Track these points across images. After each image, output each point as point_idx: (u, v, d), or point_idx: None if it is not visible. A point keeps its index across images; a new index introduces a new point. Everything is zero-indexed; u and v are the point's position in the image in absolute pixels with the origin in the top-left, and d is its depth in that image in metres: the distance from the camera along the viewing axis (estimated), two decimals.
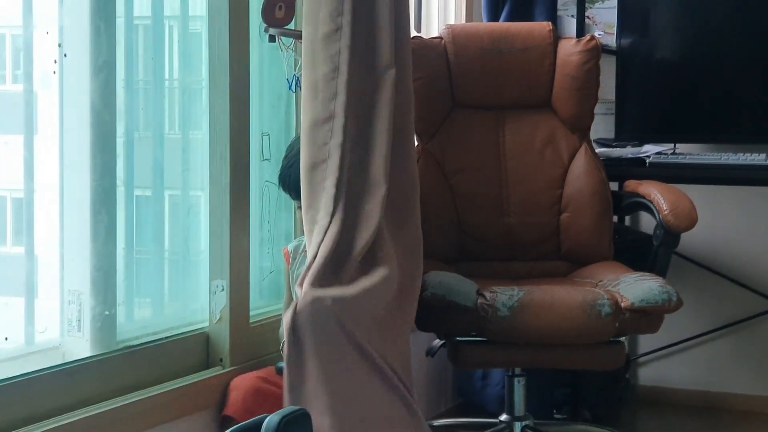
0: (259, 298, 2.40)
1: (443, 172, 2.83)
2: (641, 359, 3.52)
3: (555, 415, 3.14)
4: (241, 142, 2.20)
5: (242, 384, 2.07)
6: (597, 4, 3.48)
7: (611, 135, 3.32)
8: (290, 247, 2.27)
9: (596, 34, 3.39)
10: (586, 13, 3.44)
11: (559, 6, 3.40)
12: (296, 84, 2.35)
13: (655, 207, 2.59)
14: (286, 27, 2.36)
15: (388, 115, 2.11)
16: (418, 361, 2.67)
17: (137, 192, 2.09)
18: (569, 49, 2.85)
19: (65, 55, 1.89)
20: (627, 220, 3.42)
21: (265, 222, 2.47)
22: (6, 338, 1.80)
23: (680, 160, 3.07)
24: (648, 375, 3.53)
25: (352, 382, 1.94)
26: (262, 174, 2.44)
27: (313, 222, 2.01)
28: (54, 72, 1.89)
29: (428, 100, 2.82)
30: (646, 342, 3.48)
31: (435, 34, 3.31)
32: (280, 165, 2.30)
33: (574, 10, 3.42)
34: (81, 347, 1.89)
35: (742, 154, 2.96)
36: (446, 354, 2.51)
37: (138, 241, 2.09)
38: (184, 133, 2.24)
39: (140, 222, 2.10)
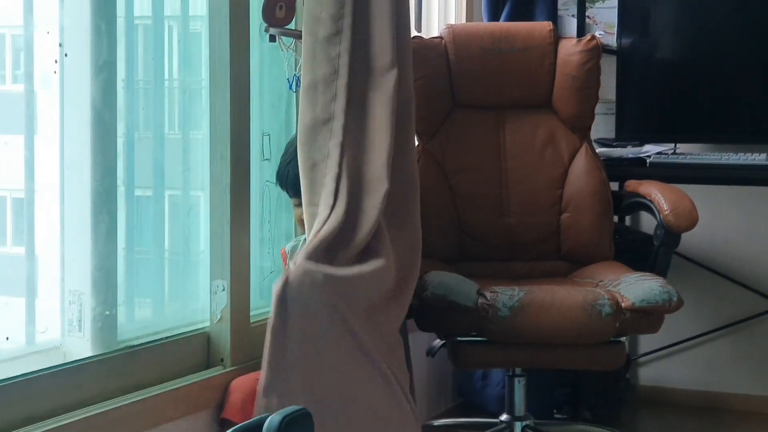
0: (259, 298, 2.40)
1: (443, 172, 2.83)
2: (641, 359, 3.52)
3: (555, 415, 3.14)
4: (242, 142, 2.20)
5: (242, 386, 2.06)
6: (597, 4, 3.49)
7: (612, 135, 3.32)
8: (288, 247, 2.27)
9: (597, 33, 3.39)
10: (587, 13, 3.45)
11: (559, 6, 3.40)
12: (296, 84, 2.35)
13: (655, 207, 2.59)
14: (287, 27, 2.36)
15: (389, 115, 2.11)
16: (418, 361, 2.67)
17: (138, 192, 2.09)
18: (570, 48, 2.86)
19: (66, 55, 1.89)
20: (627, 220, 3.42)
21: (266, 222, 2.47)
22: (7, 338, 1.80)
23: (681, 160, 3.07)
24: (648, 375, 3.53)
25: (336, 359, 1.91)
26: (263, 174, 2.44)
27: (313, 216, 2.01)
28: (54, 72, 1.89)
29: (428, 100, 2.82)
30: (646, 342, 3.48)
31: (435, 34, 3.31)
32: (279, 162, 2.30)
33: (574, 10, 3.42)
34: (82, 347, 1.89)
35: (742, 154, 2.96)
36: (447, 354, 2.51)
37: (138, 241, 2.09)
38: (184, 133, 2.24)
39: (141, 222, 2.10)
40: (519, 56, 2.86)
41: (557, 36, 2.91)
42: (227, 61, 2.15)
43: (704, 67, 3.25)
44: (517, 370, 2.62)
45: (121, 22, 1.98)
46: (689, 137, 3.28)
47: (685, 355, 3.49)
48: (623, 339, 2.44)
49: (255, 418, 1.15)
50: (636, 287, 2.38)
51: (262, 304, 2.40)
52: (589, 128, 2.91)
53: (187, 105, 2.24)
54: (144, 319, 2.11)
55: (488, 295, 2.33)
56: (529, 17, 3.28)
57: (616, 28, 3.35)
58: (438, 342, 2.63)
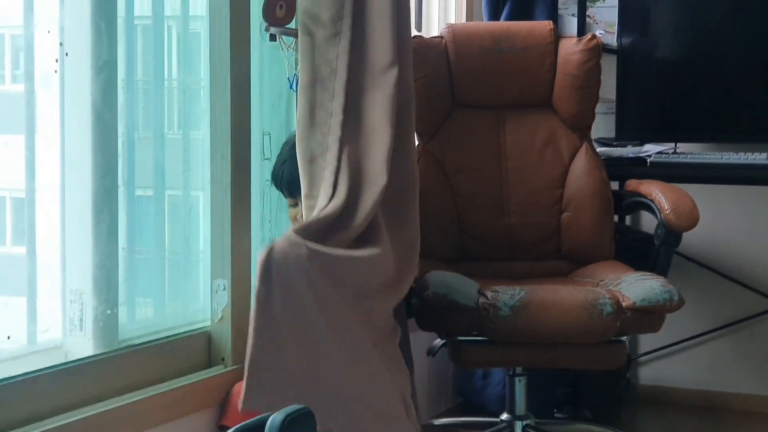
0: None
1: (443, 172, 2.83)
2: (642, 358, 3.52)
3: (556, 415, 3.14)
4: (242, 142, 2.20)
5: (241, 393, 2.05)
6: (597, 3, 3.49)
7: (612, 134, 3.32)
8: None
9: (597, 33, 3.39)
10: (587, 12, 3.45)
11: (559, 5, 3.40)
12: (297, 83, 2.34)
13: (656, 206, 2.59)
14: (287, 26, 2.35)
15: (389, 113, 2.11)
16: (419, 361, 2.67)
17: (138, 192, 2.09)
18: (570, 48, 2.85)
19: (66, 55, 1.89)
20: (627, 219, 3.42)
21: (266, 221, 2.47)
22: (8, 337, 1.80)
23: (681, 159, 3.07)
24: (648, 374, 3.53)
25: (320, 332, 1.85)
26: (263, 173, 2.44)
27: (311, 209, 2.00)
28: (55, 71, 1.88)
29: (428, 99, 2.81)
30: (646, 341, 3.48)
31: (435, 33, 3.32)
32: (274, 162, 2.30)
33: (574, 9, 3.42)
34: (83, 346, 1.89)
35: (742, 153, 2.96)
36: (447, 354, 2.51)
37: (139, 241, 2.09)
38: (184, 132, 2.24)
39: (141, 222, 2.10)
40: (519, 56, 2.86)
41: (557, 35, 2.91)
42: (228, 61, 2.15)
43: (704, 67, 3.25)
44: (518, 370, 2.62)
45: (120, 21, 1.98)
46: (689, 137, 3.28)
47: (685, 354, 3.49)
48: (624, 338, 2.44)
49: (257, 417, 1.15)
50: (637, 286, 2.38)
51: None
52: (590, 128, 2.91)
53: (187, 105, 2.24)
54: (145, 318, 2.11)
55: (489, 294, 2.33)
56: (529, 16, 3.28)
57: (616, 28, 3.35)
58: (439, 341, 2.63)
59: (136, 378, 1.93)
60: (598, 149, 2.98)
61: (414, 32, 3.02)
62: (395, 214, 2.18)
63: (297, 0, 2.21)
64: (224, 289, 2.13)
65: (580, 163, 2.84)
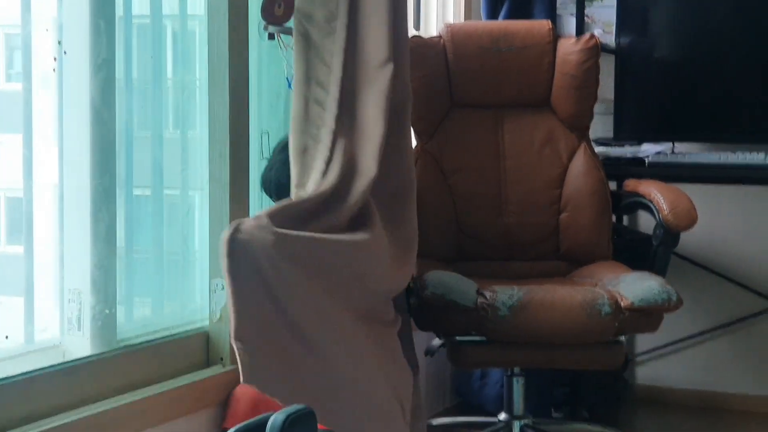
0: None
1: (442, 172, 2.83)
2: (639, 358, 3.52)
3: (553, 415, 3.14)
4: (241, 141, 2.19)
5: (244, 396, 2.05)
6: (596, 3, 3.49)
7: (609, 134, 3.32)
8: None
9: (595, 32, 3.39)
10: (585, 12, 3.45)
11: (558, 4, 3.40)
12: None
13: (654, 206, 2.59)
14: (286, 25, 2.35)
15: (383, 108, 2.09)
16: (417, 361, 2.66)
17: (136, 191, 2.09)
18: (569, 47, 2.85)
19: (65, 53, 1.88)
20: (625, 219, 3.42)
21: None
22: (6, 337, 1.79)
23: (679, 159, 3.08)
24: (646, 374, 3.53)
25: (294, 321, 1.76)
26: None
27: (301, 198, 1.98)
28: (54, 70, 1.88)
29: (427, 99, 2.81)
30: (643, 341, 3.48)
31: (434, 32, 3.31)
32: (263, 168, 2.29)
33: (573, 9, 3.42)
34: (81, 346, 1.88)
35: (740, 153, 2.96)
36: (445, 354, 2.50)
37: (137, 240, 2.08)
38: (182, 132, 2.23)
39: (140, 221, 2.10)
40: (518, 55, 2.86)
41: (556, 35, 2.91)
42: (226, 60, 2.14)
43: (703, 67, 3.26)
44: (516, 370, 2.62)
45: (119, 20, 1.98)
46: (687, 137, 3.28)
47: (682, 354, 3.49)
48: (622, 338, 2.44)
49: (258, 417, 1.14)
50: (635, 287, 2.38)
51: None
52: (588, 127, 2.91)
53: (184, 104, 2.23)
54: (143, 317, 2.10)
55: (487, 294, 2.33)
56: (528, 16, 3.28)
57: (614, 27, 3.35)
58: (437, 341, 2.62)
59: (134, 378, 1.93)
60: (596, 149, 2.98)
61: (412, 32, 3.02)
62: (392, 212, 2.18)
63: None
64: (222, 288, 2.13)
65: (579, 163, 2.83)
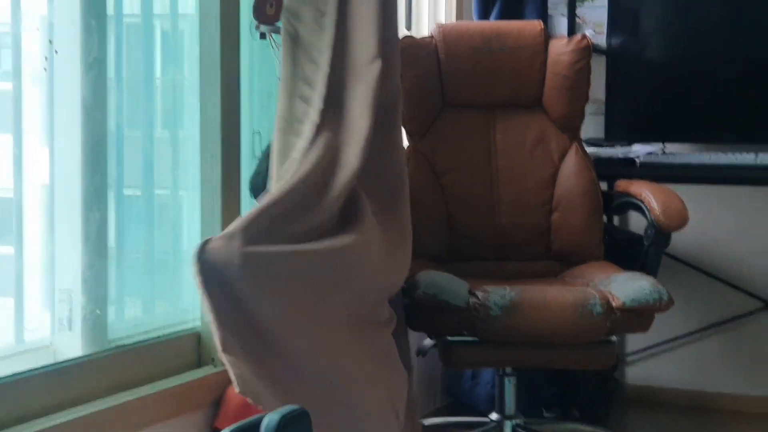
0: None
1: (434, 172, 2.83)
2: (629, 358, 3.52)
3: (544, 414, 3.14)
4: (232, 141, 2.19)
5: (235, 396, 2.04)
6: (587, 4, 3.49)
7: (600, 135, 3.32)
8: None
9: (586, 33, 3.39)
10: (576, 12, 3.45)
11: (549, 5, 3.40)
12: None
13: (646, 207, 2.60)
14: (277, 24, 2.35)
15: (370, 104, 2.07)
16: None
17: (127, 191, 2.08)
18: (560, 48, 2.86)
19: (56, 52, 1.87)
20: (615, 220, 3.43)
21: None
22: None
23: (670, 160, 3.09)
24: (636, 374, 3.54)
25: (274, 335, 1.77)
26: None
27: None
28: (45, 69, 1.87)
29: (419, 99, 2.81)
30: (634, 341, 3.49)
31: (425, 33, 3.31)
32: (252, 173, 2.28)
33: (564, 9, 3.42)
34: (72, 346, 1.87)
35: (731, 153, 2.97)
36: (437, 354, 2.50)
37: (128, 240, 2.07)
38: (172, 132, 2.22)
39: (130, 221, 2.09)
40: (509, 55, 2.86)
41: (548, 35, 2.91)
42: (218, 59, 2.14)
43: (694, 68, 3.27)
44: (508, 369, 2.62)
45: (110, 19, 1.97)
46: (678, 137, 3.29)
47: (672, 354, 3.50)
48: (614, 338, 2.44)
49: (252, 417, 1.14)
50: (627, 287, 2.39)
51: None
52: (579, 128, 2.91)
53: (175, 103, 2.22)
54: (134, 318, 2.09)
55: (480, 294, 2.33)
56: (519, 16, 3.28)
57: (605, 28, 3.35)
58: (428, 341, 2.62)
59: (125, 378, 1.92)
60: (587, 149, 2.98)
61: (404, 32, 3.02)
62: (385, 212, 2.17)
63: None
64: None
65: (570, 164, 2.84)
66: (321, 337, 1.88)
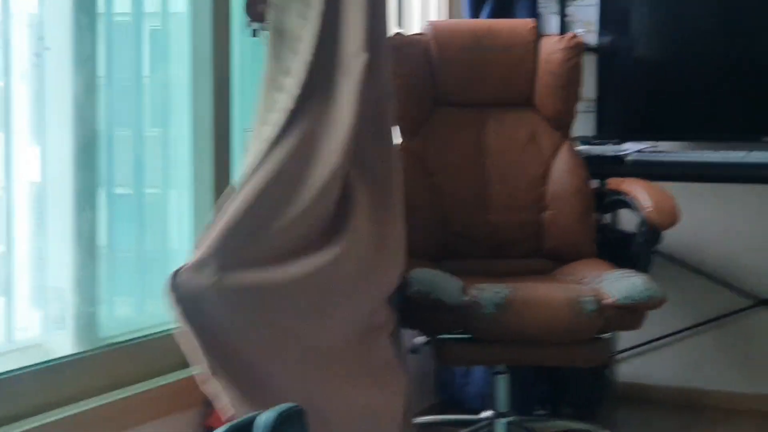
0: None
1: (426, 170, 2.82)
2: (621, 356, 3.53)
3: (536, 411, 3.14)
4: (224, 139, 2.18)
5: None
6: (577, 2, 3.49)
7: (591, 133, 3.32)
8: None
9: (577, 31, 3.39)
10: (566, 11, 3.45)
11: (539, 4, 3.41)
12: None
13: (638, 205, 2.60)
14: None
15: (355, 98, 2.03)
16: None
17: (118, 190, 2.07)
18: (552, 46, 2.86)
19: (48, 49, 1.86)
20: (607, 217, 3.43)
21: None
22: None
23: (661, 157, 3.09)
24: (628, 372, 3.54)
25: (256, 354, 1.79)
26: None
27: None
28: (36, 66, 1.86)
29: (411, 97, 2.81)
30: (625, 339, 3.49)
31: (415, 30, 3.30)
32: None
33: (554, 8, 3.43)
34: (63, 344, 1.87)
35: (722, 151, 2.97)
36: (430, 351, 2.50)
37: (119, 239, 2.07)
38: (162, 130, 2.22)
39: (121, 219, 2.08)
40: (501, 54, 2.86)
41: (539, 34, 2.91)
42: (209, 57, 2.13)
43: (684, 66, 3.27)
44: (501, 367, 2.62)
45: (100, 17, 1.96)
46: (669, 135, 3.29)
47: (664, 352, 3.50)
48: (607, 335, 2.44)
49: (248, 416, 1.13)
50: (619, 284, 2.39)
51: None
52: (571, 126, 2.91)
53: (164, 102, 2.22)
54: (125, 316, 2.09)
55: (473, 292, 2.33)
56: (510, 15, 3.28)
57: (596, 26, 3.36)
58: (421, 339, 2.62)
59: (117, 376, 1.91)
60: (578, 148, 2.99)
61: (396, 29, 3.01)
62: (377, 211, 2.16)
63: None
64: None
65: (562, 162, 2.84)
66: (305, 367, 1.89)
